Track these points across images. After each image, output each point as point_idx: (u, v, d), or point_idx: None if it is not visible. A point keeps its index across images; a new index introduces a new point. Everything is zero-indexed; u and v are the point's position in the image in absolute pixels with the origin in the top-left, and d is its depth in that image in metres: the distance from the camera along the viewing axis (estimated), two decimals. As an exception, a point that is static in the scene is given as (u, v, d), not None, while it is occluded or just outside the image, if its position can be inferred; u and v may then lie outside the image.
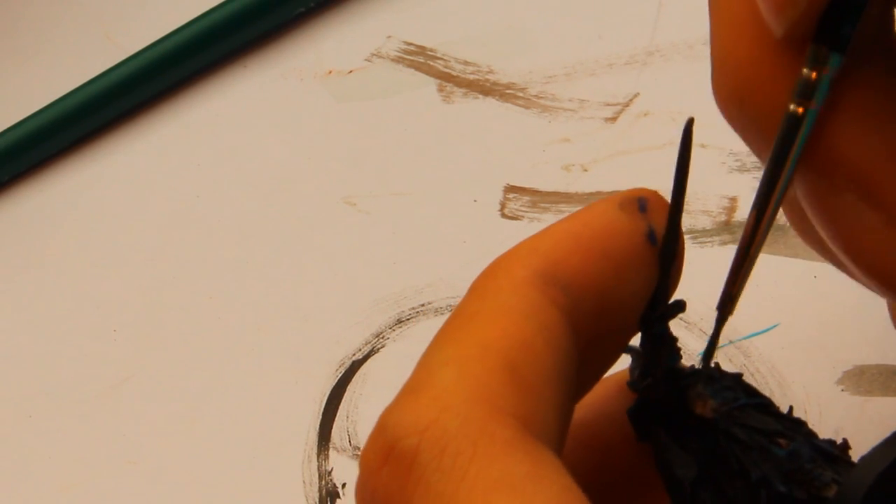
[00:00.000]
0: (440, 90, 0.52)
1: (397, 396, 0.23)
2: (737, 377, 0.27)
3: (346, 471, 0.44)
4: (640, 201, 0.26)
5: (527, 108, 0.51)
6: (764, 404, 0.27)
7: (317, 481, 0.44)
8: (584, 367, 0.25)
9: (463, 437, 0.22)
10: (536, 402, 0.23)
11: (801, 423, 0.27)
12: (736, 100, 0.25)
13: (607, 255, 0.25)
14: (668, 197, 0.28)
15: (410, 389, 0.23)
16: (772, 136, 0.25)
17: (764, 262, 0.47)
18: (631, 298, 0.25)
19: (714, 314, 0.29)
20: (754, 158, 0.49)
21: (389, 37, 0.53)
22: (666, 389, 0.27)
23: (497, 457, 0.22)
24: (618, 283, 0.25)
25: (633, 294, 0.25)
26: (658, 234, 0.26)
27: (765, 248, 0.47)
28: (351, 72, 0.53)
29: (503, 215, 0.49)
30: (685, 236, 0.47)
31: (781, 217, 0.47)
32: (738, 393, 0.27)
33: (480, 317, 0.24)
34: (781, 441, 0.26)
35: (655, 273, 0.26)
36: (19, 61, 0.55)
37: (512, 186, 0.49)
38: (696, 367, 0.27)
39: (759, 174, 0.48)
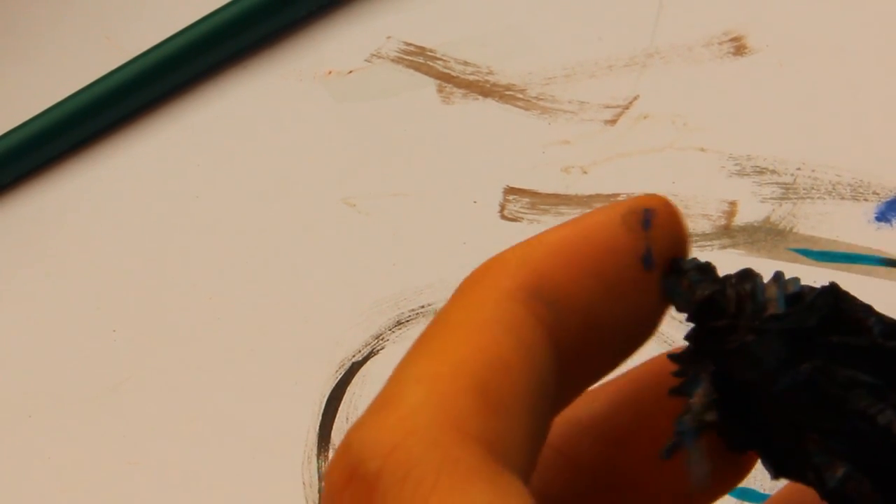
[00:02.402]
0: (440, 91, 0.52)
1: (367, 410, 0.23)
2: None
3: (345, 472, 0.44)
4: (646, 214, 0.25)
5: (526, 109, 0.51)
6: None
7: (316, 482, 0.45)
8: (567, 382, 0.24)
9: (426, 464, 0.22)
10: (507, 425, 0.22)
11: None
12: None
13: (598, 273, 0.24)
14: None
15: (380, 406, 0.23)
16: None
17: (764, 267, 0.47)
18: (621, 320, 0.24)
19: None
20: (753, 162, 0.49)
21: (389, 37, 0.53)
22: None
23: (459, 486, 0.21)
24: (606, 304, 0.24)
25: (624, 316, 0.24)
26: (656, 254, 0.24)
27: (765, 252, 0.47)
28: (351, 72, 0.53)
29: (503, 217, 0.49)
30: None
31: (781, 221, 0.47)
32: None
33: (458, 330, 0.23)
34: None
35: (650, 299, 0.25)
36: (19, 63, 0.55)
37: (511, 188, 0.49)
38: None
39: (759, 178, 0.48)
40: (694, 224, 0.47)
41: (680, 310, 0.25)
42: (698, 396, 0.25)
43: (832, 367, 0.24)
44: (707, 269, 0.25)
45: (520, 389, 0.23)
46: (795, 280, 0.25)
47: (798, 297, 0.25)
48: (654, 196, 0.25)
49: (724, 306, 0.25)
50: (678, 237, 0.25)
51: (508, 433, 0.22)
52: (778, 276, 0.25)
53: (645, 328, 0.25)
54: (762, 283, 0.25)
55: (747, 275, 0.25)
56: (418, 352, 0.23)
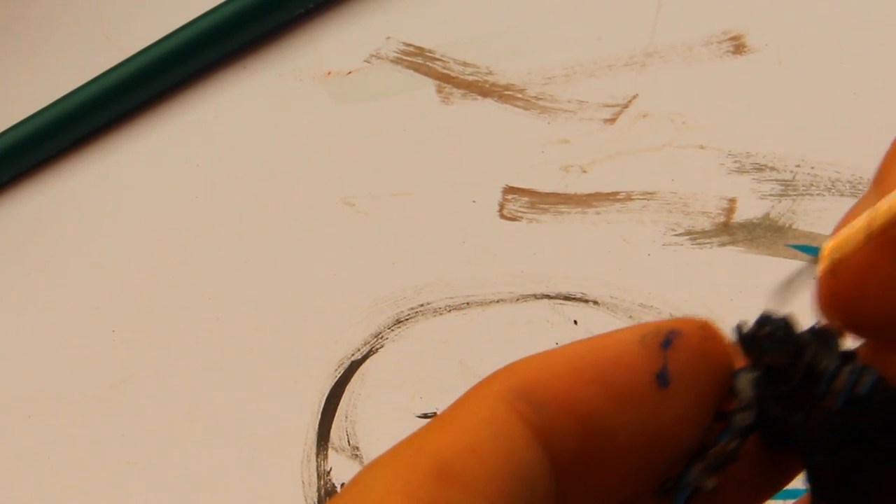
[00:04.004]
0: (439, 91, 0.52)
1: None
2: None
3: (344, 471, 0.44)
4: (669, 335, 0.25)
5: (526, 109, 0.51)
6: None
7: (315, 481, 0.45)
8: (581, 486, 0.25)
9: None
10: (469, 498, 0.23)
11: None
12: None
13: (601, 382, 0.24)
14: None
15: (343, 490, 0.24)
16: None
17: (763, 264, 0.47)
18: (634, 431, 0.24)
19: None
20: (752, 160, 0.49)
21: (388, 38, 0.53)
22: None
23: None
24: (612, 413, 0.24)
25: (638, 428, 0.24)
26: (675, 373, 0.24)
27: (764, 249, 0.47)
28: (350, 73, 0.53)
29: (502, 216, 0.49)
30: (684, 237, 0.47)
31: (780, 218, 0.47)
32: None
33: (434, 424, 0.24)
34: None
35: (668, 414, 0.25)
36: (19, 62, 0.55)
37: (511, 187, 0.49)
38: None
39: (758, 176, 0.48)
40: (693, 221, 0.47)
41: (749, 359, 0.25)
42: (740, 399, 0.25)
43: (870, 461, 0.24)
44: (786, 330, 0.25)
45: (489, 472, 0.23)
46: (870, 377, 0.24)
47: (860, 399, 0.24)
48: (687, 319, 0.25)
49: (789, 376, 0.25)
50: (709, 360, 0.25)
51: None
52: (856, 369, 0.25)
53: (670, 442, 0.25)
54: (835, 366, 0.24)
55: (827, 343, 0.25)
56: (393, 446, 0.24)
